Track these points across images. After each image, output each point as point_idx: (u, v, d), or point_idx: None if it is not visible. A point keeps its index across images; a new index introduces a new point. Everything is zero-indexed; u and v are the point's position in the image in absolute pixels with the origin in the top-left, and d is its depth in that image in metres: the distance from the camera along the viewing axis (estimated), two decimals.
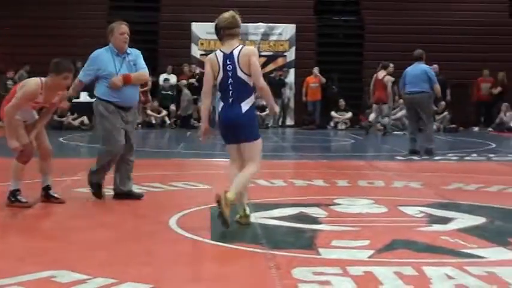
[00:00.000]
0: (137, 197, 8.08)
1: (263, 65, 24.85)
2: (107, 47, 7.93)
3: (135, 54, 7.97)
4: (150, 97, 23.10)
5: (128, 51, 7.92)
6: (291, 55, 25.00)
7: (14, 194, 7.36)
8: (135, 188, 8.89)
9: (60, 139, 17.27)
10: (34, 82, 7.33)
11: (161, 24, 25.30)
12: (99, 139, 8.06)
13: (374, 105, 20.65)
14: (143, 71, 8.00)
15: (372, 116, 21.00)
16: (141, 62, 7.99)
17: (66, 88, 7.67)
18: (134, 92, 7.96)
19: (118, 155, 7.87)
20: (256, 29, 24.83)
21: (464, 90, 24.33)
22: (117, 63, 7.81)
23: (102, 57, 7.84)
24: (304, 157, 13.87)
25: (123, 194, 7.99)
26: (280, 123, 24.62)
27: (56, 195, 7.70)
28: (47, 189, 7.67)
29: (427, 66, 14.66)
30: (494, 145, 17.09)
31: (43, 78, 7.35)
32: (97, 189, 7.99)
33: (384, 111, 20.61)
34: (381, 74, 20.25)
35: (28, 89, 7.27)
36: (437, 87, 14.38)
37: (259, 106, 23.67)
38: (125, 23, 7.95)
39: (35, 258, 5.26)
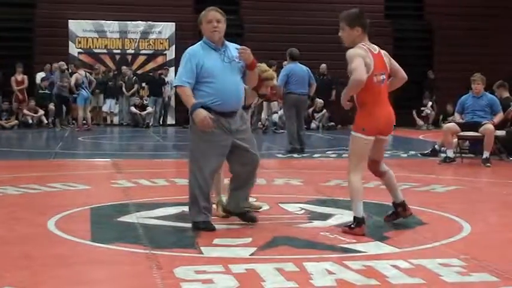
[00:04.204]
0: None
1: (143, 64, 24.69)
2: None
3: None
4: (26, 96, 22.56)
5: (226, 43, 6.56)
6: (171, 53, 24.85)
7: (360, 222, 6.18)
8: (13, 190, 8.67)
9: None
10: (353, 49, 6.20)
11: (37, 21, 24.63)
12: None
13: (264, 103, 20.90)
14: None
15: (263, 114, 21.21)
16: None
17: None
18: None
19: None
20: (136, 27, 24.58)
21: (341, 89, 24.84)
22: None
23: None
24: (186, 156, 13.83)
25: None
26: (161, 122, 24.47)
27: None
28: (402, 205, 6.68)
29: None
30: None
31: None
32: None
33: (273, 108, 20.94)
34: None
35: (353, 53, 6.19)
36: (314, 87, 14.88)
37: (137, 105, 23.50)
38: (213, 8, 6.65)
39: None
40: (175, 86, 6.37)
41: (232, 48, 6.45)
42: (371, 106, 6.35)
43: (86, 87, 21.60)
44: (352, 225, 6.22)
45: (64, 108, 22.60)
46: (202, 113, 6.11)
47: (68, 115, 22.78)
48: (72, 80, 21.65)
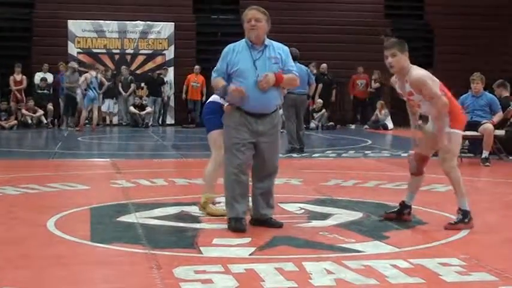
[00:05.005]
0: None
1: (142, 64, 24.67)
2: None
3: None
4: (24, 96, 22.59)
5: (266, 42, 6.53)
6: (170, 53, 24.83)
7: (467, 214, 6.48)
8: (13, 190, 8.67)
9: None
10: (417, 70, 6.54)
11: (35, 21, 24.60)
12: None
13: None
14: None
15: None
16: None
17: None
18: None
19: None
20: (135, 27, 24.55)
21: (341, 89, 24.89)
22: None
23: None
24: (185, 156, 13.85)
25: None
26: (160, 122, 24.46)
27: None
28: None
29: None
30: (370, 142, 17.57)
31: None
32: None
33: None
34: None
35: (421, 75, 6.47)
36: (314, 86, 14.99)
37: (136, 105, 23.49)
38: (255, 7, 6.57)
39: None
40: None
41: (275, 48, 6.49)
42: (456, 108, 6.69)
43: (95, 88, 21.52)
44: (466, 220, 6.45)
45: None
46: (231, 86, 6.25)
47: (74, 115, 22.67)
48: (81, 80, 21.59)
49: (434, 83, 6.46)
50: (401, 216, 6.84)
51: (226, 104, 6.56)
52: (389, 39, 6.72)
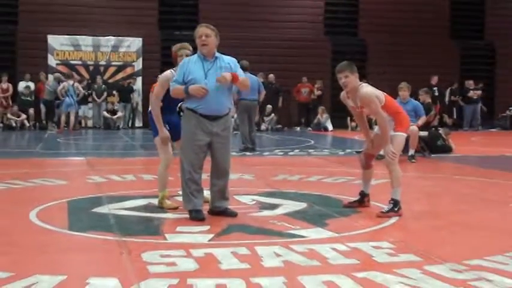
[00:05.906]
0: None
1: (114, 74, 24.47)
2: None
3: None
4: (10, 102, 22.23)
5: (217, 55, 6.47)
6: (138, 65, 24.68)
7: (397, 204, 6.60)
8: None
9: None
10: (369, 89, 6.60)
11: (19, 36, 24.21)
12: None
13: None
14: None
15: None
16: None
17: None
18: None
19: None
20: (107, 41, 24.34)
21: (288, 96, 24.97)
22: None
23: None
24: (152, 154, 13.74)
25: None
26: (130, 125, 24.27)
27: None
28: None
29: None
30: (312, 142, 17.64)
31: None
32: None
33: None
34: None
35: (369, 94, 6.53)
36: (263, 94, 15.08)
37: (109, 110, 23.27)
38: (204, 24, 6.49)
39: None
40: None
41: (225, 60, 6.47)
42: (401, 114, 6.84)
43: (71, 96, 21.41)
44: (396, 209, 6.56)
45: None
46: (192, 86, 6.22)
47: (52, 118, 22.43)
48: (59, 88, 21.45)
49: (379, 98, 6.58)
50: (362, 204, 7.06)
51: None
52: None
